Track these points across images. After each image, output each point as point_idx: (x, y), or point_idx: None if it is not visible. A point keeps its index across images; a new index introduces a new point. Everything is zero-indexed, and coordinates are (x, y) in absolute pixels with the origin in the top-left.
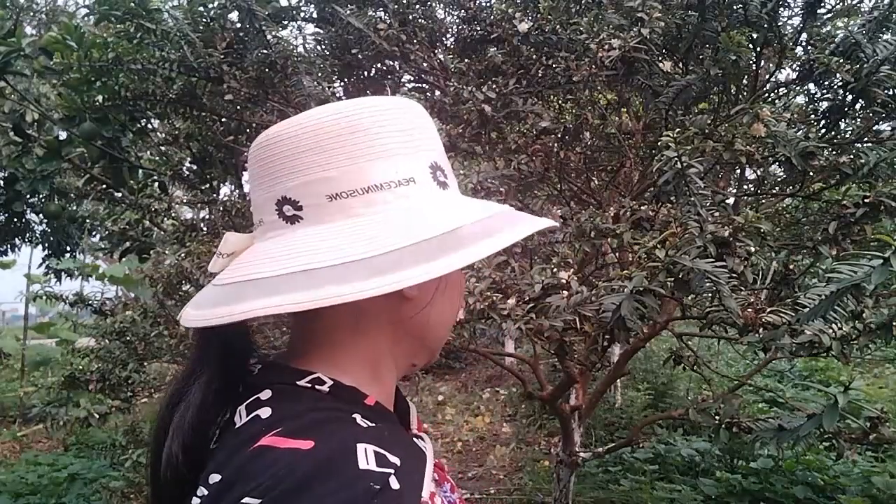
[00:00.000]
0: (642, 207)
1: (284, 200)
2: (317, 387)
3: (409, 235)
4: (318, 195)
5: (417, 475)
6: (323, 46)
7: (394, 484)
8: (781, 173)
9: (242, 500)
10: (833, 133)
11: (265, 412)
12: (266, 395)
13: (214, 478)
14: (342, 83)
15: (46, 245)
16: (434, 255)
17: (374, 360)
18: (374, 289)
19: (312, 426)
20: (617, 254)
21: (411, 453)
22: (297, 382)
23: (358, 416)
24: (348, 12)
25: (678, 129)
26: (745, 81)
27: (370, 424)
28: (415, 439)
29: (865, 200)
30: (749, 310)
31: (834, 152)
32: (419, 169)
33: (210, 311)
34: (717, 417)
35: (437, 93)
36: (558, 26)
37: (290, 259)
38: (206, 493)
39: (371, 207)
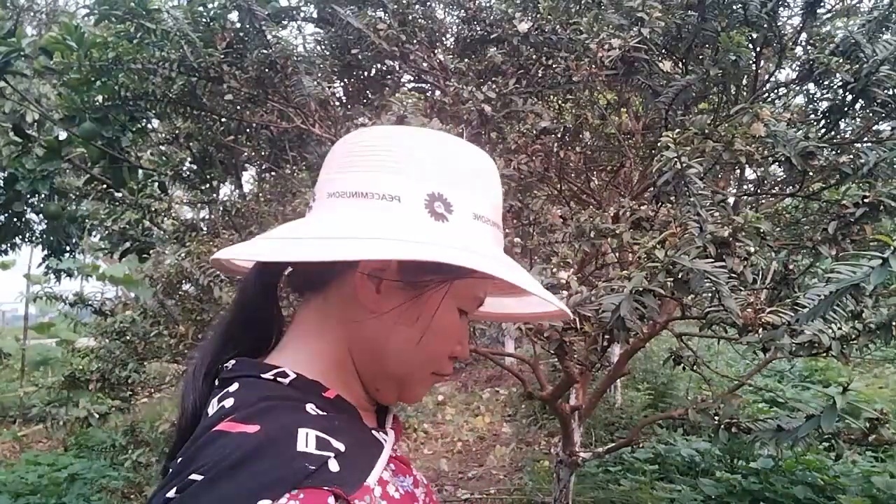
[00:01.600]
0: (642, 207)
1: (314, 193)
2: (279, 379)
3: (334, 232)
4: (324, 191)
5: (364, 462)
6: (323, 46)
7: (332, 466)
8: (781, 173)
9: (190, 477)
10: (833, 133)
11: (229, 402)
12: (234, 387)
13: (178, 460)
14: (342, 83)
15: (46, 245)
16: (317, 247)
17: (336, 360)
18: (261, 255)
19: (262, 412)
20: (617, 254)
21: (362, 442)
22: (262, 375)
23: (310, 405)
24: (348, 12)
25: (678, 130)
26: (744, 81)
27: (320, 413)
28: (375, 433)
29: (865, 200)
30: (749, 310)
31: (834, 152)
32: (412, 192)
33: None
34: (716, 417)
35: (437, 93)
36: (558, 26)
37: (279, 231)
38: (170, 471)
39: (350, 209)
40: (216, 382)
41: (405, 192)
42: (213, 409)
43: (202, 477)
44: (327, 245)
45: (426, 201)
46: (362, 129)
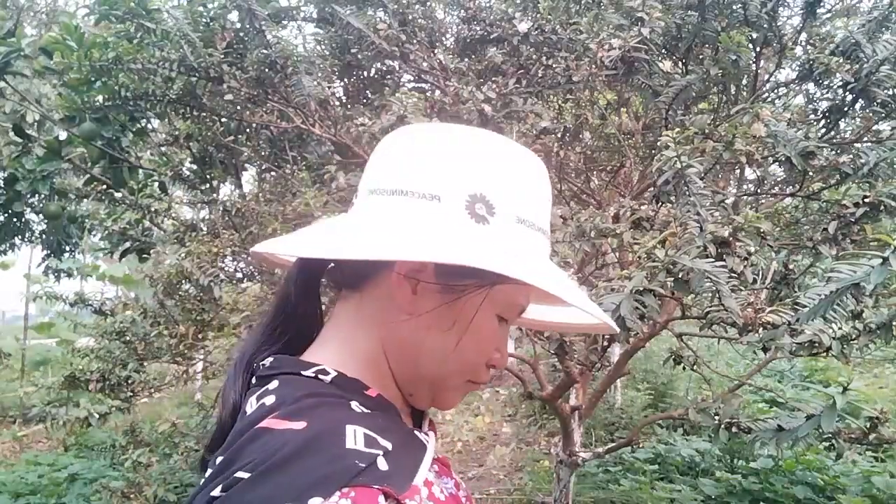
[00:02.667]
0: (642, 207)
1: (356, 190)
2: (320, 377)
3: (371, 230)
4: (365, 189)
5: (410, 461)
6: (323, 46)
7: (381, 465)
8: (781, 173)
9: (236, 475)
10: (833, 133)
11: (269, 399)
12: (273, 384)
13: (218, 459)
14: (342, 83)
15: (46, 245)
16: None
17: (372, 360)
18: (299, 251)
19: (307, 409)
20: (617, 254)
21: (407, 442)
22: (303, 373)
23: (354, 403)
24: (348, 12)
25: (678, 129)
26: (744, 81)
27: (365, 410)
28: (417, 433)
29: (865, 200)
30: (749, 309)
31: (834, 152)
32: (453, 192)
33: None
34: (717, 417)
35: (437, 93)
36: (558, 26)
37: (318, 226)
38: (210, 472)
39: (390, 206)
40: (253, 380)
41: (446, 192)
42: (251, 406)
43: (249, 474)
44: (362, 243)
45: (467, 202)
46: (408, 126)
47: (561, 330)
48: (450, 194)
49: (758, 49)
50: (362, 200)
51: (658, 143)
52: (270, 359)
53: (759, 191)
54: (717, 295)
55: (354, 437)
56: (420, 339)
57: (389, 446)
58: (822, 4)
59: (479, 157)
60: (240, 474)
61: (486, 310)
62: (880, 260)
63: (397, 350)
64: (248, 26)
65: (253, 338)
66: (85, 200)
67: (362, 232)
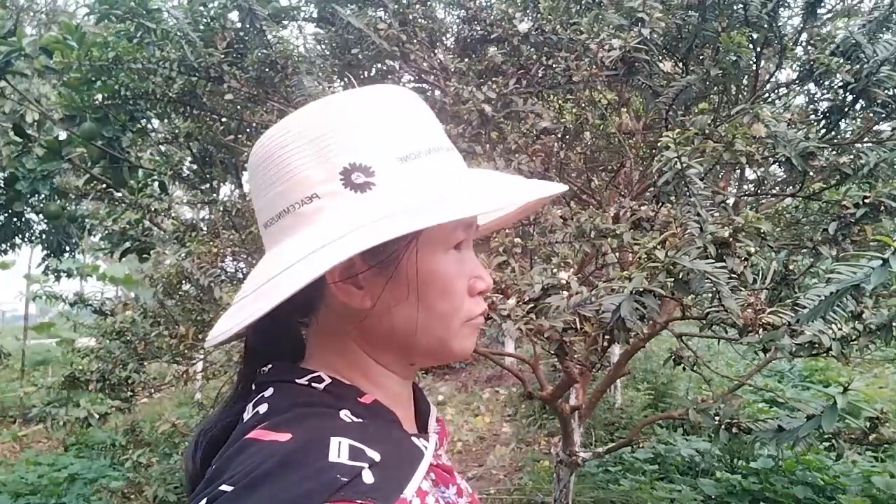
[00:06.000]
0: (642, 207)
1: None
2: (314, 384)
3: (278, 268)
4: (261, 225)
5: (400, 472)
6: (323, 46)
7: (366, 478)
8: (781, 173)
9: (220, 488)
10: (833, 133)
11: (263, 408)
12: (269, 392)
13: (211, 469)
14: (342, 83)
15: (46, 245)
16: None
17: (360, 365)
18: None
19: (294, 420)
20: (617, 254)
21: (399, 451)
22: (297, 380)
23: (345, 412)
24: (348, 12)
25: (678, 130)
26: (745, 81)
27: (354, 420)
28: (415, 439)
29: (865, 201)
30: (749, 310)
31: (834, 152)
32: (325, 181)
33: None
34: (717, 418)
35: (437, 93)
36: (558, 26)
37: (245, 286)
38: (203, 480)
39: (283, 234)
40: (252, 387)
41: (319, 185)
42: (248, 414)
43: (231, 488)
44: (273, 288)
45: (342, 181)
46: (259, 139)
47: (526, 211)
48: (323, 184)
49: (758, 49)
50: (264, 237)
51: (658, 144)
52: (269, 365)
53: (759, 191)
54: (717, 295)
55: (339, 449)
56: (389, 324)
57: (377, 457)
58: (822, 5)
59: (329, 133)
60: (223, 487)
61: (429, 257)
62: (880, 261)
63: (373, 345)
64: (248, 26)
65: (218, 411)
66: (85, 200)
67: (271, 275)
